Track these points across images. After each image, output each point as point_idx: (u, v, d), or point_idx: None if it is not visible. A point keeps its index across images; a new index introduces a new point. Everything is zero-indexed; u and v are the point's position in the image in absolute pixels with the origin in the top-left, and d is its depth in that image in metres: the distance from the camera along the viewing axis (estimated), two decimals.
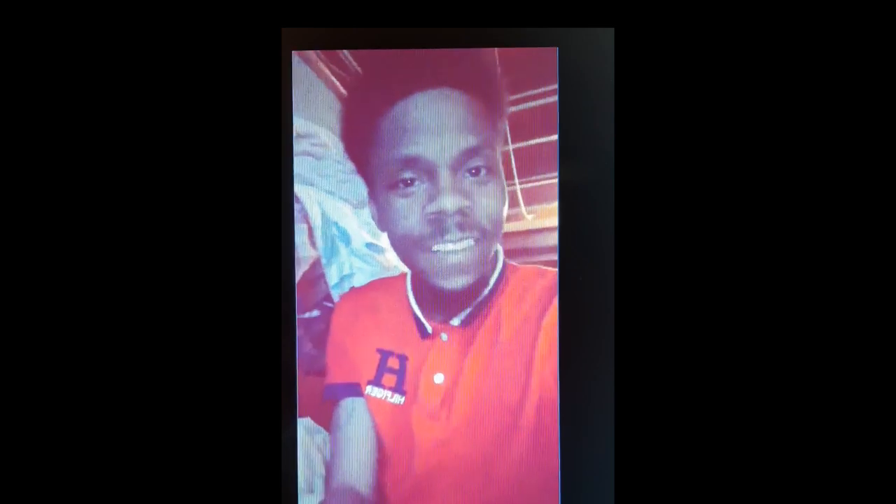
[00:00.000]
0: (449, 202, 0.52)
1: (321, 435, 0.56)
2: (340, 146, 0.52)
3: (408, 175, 0.53)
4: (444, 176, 0.52)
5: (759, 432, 0.51)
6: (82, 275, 0.49)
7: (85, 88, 0.47)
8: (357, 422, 0.56)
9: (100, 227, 0.49)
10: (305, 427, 0.56)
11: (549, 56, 0.49)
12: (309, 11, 0.49)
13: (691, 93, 0.48)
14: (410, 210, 0.53)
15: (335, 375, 0.56)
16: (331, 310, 0.55)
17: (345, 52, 0.50)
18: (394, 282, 0.55)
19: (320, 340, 0.55)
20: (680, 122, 0.49)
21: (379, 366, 0.56)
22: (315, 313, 0.54)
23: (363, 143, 0.53)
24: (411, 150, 0.52)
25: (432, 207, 0.53)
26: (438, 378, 0.55)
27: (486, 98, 0.52)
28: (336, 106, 0.52)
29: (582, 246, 0.52)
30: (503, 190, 0.53)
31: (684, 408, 0.52)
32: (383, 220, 0.54)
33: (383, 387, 0.56)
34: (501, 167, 0.52)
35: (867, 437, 0.49)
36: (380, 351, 0.56)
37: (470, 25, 0.49)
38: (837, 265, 0.49)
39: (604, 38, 0.49)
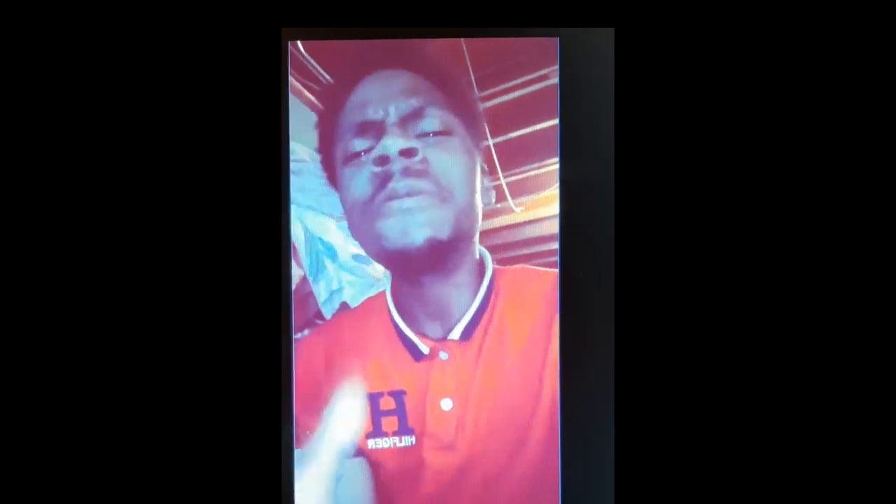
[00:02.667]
0: (392, 144, 0.49)
1: None
2: (318, 158, 0.51)
3: (360, 146, 0.49)
4: (391, 130, 0.49)
5: (761, 431, 0.49)
6: (76, 286, 0.47)
7: (74, 88, 0.47)
8: (350, 488, 0.50)
9: (98, 229, 0.47)
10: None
11: (519, 48, 0.50)
12: (309, 11, 0.49)
13: (690, 92, 0.49)
14: (358, 172, 0.50)
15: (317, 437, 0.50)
16: (309, 341, 0.50)
17: (313, 62, 0.50)
18: (370, 304, 0.50)
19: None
20: (679, 121, 0.49)
21: (372, 412, 0.50)
22: (306, 333, 0.50)
23: (332, 147, 0.51)
24: (359, 117, 0.49)
25: (375, 153, 0.49)
26: (446, 404, 0.50)
27: (450, 85, 0.50)
28: (311, 119, 0.51)
29: (582, 245, 0.50)
30: (471, 156, 0.50)
31: (686, 408, 0.49)
32: (348, 214, 0.50)
33: (386, 434, 0.50)
34: (464, 134, 0.50)
35: (867, 437, 0.48)
36: (367, 396, 0.50)
37: (469, 25, 0.49)
38: (839, 260, 0.48)
39: (604, 38, 0.50)
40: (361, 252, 0.50)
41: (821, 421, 0.48)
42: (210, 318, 0.48)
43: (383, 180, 0.49)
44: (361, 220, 0.50)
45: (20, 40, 0.46)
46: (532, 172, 0.50)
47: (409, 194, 0.49)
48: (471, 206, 0.50)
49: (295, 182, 0.50)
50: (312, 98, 0.51)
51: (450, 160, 0.49)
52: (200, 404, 0.48)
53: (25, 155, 0.46)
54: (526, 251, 0.50)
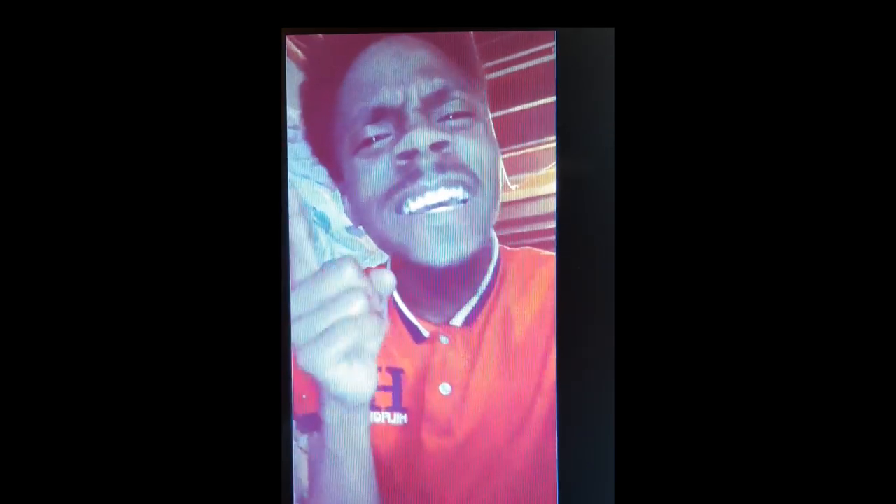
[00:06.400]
0: (420, 137, 0.45)
1: (304, 436, 0.51)
2: (299, 128, 0.48)
3: (373, 132, 0.46)
4: (414, 117, 0.45)
5: (762, 426, 0.48)
6: (68, 276, 0.47)
7: (78, 87, 0.47)
8: (350, 444, 0.50)
9: (96, 222, 0.47)
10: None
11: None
12: (309, 12, 0.49)
13: (690, 92, 0.48)
14: (374, 163, 0.46)
15: (310, 402, 0.50)
16: None
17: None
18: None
19: None
20: (678, 121, 0.48)
21: None
22: None
23: (324, 119, 0.48)
24: (372, 101, 0.46)
25: (401, 148, 0.45)
26: (445, 389, 0.49)
27: (456, 55, 0.48)
28: (298, 79, 0.49)
29: (581, 238, 0.49)
30: (493, 137, 0.47)
31: (686, 399, 0.48)
32: (352, 201, 0.47)
33: (379, 409, 0.50)
34: (484, 113, 0.47)
35: (867, 436, 0.46)
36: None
37: (469, 26, 0.48)
38: (837, 255, 0.47)
39: (604, 38, 0.49)
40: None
41: (822, 414, 0.47)
42: (207, 288, 0.48)
43: (410, 175, 0.46)
44: (382, 223, 0.47)
45: (21, 35, 0.46)
46: (527, 150, 0.49)
47: (437, 187, 0.46)
48: (497, 198, 0.48)
49: (290, 150, 0.49)
50: (301, 54, 0.48)
51: (477, 147, 0.47)
52: (194, 376, 0.48)
53: (26, 140, 0.47)
54: (523, 229, 0.49)
